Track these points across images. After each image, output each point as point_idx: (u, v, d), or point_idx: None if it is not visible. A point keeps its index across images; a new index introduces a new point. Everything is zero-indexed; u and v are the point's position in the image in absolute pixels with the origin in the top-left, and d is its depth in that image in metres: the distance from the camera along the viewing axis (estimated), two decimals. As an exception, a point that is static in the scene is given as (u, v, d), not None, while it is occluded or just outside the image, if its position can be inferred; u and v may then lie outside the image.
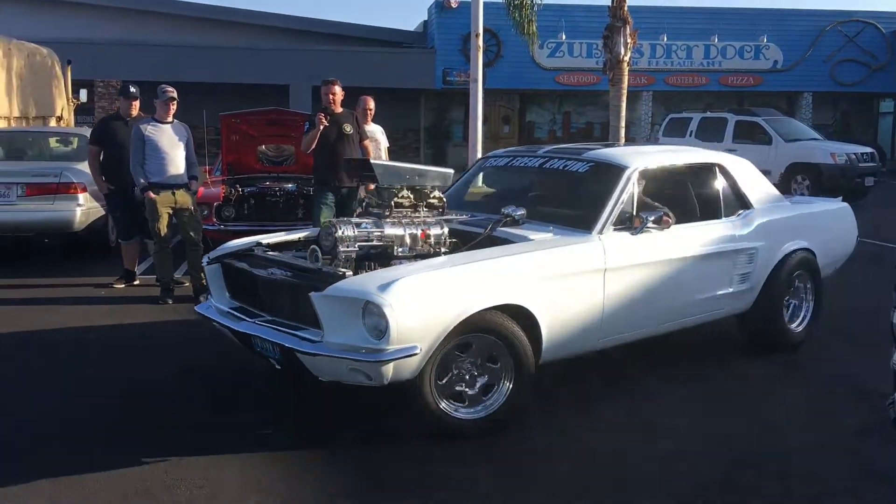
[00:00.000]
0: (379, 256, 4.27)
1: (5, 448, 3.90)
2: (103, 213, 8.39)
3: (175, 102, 6.90)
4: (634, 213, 4.68)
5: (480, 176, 6.31)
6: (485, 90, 10.78)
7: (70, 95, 14.43)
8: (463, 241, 4.52)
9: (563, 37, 24.05)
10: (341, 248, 4.10)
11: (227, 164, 9.22)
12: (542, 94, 26.77)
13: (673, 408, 4.54)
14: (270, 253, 4.65)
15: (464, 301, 3.85)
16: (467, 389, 4.02)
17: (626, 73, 13.92)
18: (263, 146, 9.51)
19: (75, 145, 9.64)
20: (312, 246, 4.23)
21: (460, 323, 3.83)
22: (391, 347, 3.63)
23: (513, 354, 4.02)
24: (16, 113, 11.84)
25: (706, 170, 5.46)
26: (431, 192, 4.62)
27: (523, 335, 4.05)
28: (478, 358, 4.03)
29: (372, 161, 4.54)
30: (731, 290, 5.16)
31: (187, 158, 6.92)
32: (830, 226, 6.08)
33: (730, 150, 15.47)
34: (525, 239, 4.42)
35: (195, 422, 4.25)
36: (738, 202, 5.38)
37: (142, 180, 6.73)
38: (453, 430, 3.96)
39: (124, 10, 24.38)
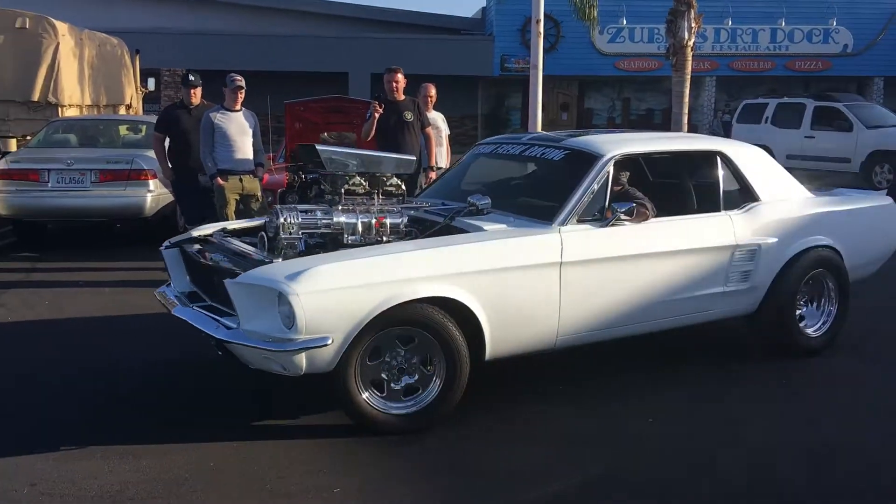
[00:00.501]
0: (330, 245, 4.22)
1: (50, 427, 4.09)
2: (172, 198, 8.63)
3: (242, 91, 7.03)
4: (607, 204, 4.36)
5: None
6: (543, 76, 10.70)
7: (139, 84, 14.83)
8: (424, 230, 4.36)
9: (624, 22, 23.72)
10: (283, 236, 4.05)
11: (290, 152, 9.37)
12: (602, 81, 26.47)
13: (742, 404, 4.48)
14: (227, 239, 4.57)
15: (384, 292, 3.70)
16: (392, 383, 3.90)
17: (689, 58, 13.65)
18: (325, 133, 9.64)
19: (144, 133, 9.90)
20: (261, 233, 4.23)
21: (381, 315, 3.69)
22: (300, 337, 3.56)
23: (445, 350, 3.86)
24: (87, 101, 12.23)
25: (705, 159, 5.03)
26: (388, 179, 4.52)
27: (456, 331, 3.87)
28: (414, 356, 3.91)
29: (317, 147, 4.47)
30: (726, 289, 4.74)
31: (254, 146, 7.07)
32: (865, 223, 5.46)
33: (808, 138, 15.14)
34: (479, 229, 4.19)
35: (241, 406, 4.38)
36: (744, 194, 4.94)
37: (210, 166, 6.91)
38: (377, 424, 3.84)
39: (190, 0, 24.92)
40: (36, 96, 11.01)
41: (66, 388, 4.60)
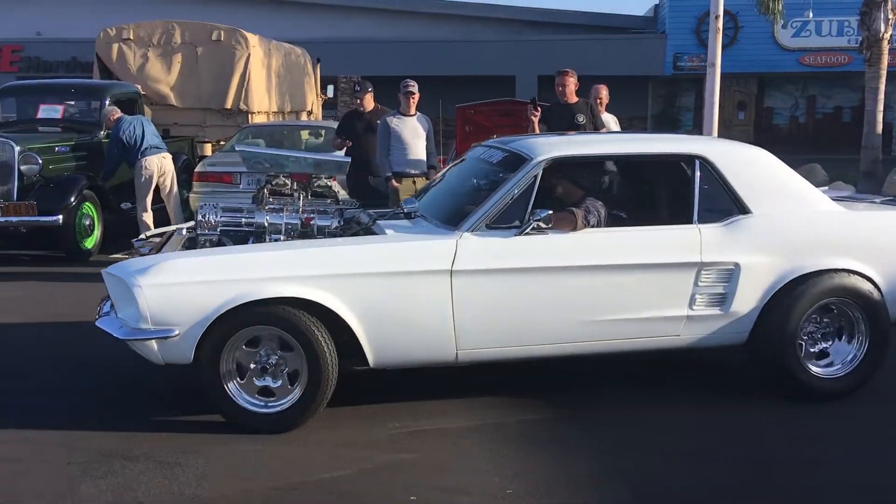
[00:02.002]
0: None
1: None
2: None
3: (414, 96, 7.26)
4: (530, 210, 4.00)
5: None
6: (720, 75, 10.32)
7: (319, 91, 15.60)
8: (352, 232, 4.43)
9: (811, 15, 22.27)
10: (199, 233, 4.34)
11: (460, 154, 9.55)
12: (783, 77, 25.01)
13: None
14: (182, 234, 4.80)
15: (233, 290, 3.73)
16: (271, 383, 3.91)
17: (885, 52, 12.70)
18: (495, 136, 9.73)
19: (324, 137, 10.43)
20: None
21: (232, 312, 3.73)
22: (149, 328, 3.72)
23: (308, 353, 3.81)
24: (274, 108, 13.03)
25: (677, 164, 4.46)
26: (316, 180, 4.61)
27: (320, 334, 3.80)
28: (279, 356, 3.89)
29: (237, 147, 4.68)
30: (692, 313, 4.17)
31: (427, 149, 7.28)
32: None
33: None
34: (383, 233, 4.18)
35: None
36: (729, 205, 4.28)
37: (385, 168, 7.19)
38: (242, 421, 3.87)
39: (365, 9, 26.03)
40: (229, 104, 11.84)
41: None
